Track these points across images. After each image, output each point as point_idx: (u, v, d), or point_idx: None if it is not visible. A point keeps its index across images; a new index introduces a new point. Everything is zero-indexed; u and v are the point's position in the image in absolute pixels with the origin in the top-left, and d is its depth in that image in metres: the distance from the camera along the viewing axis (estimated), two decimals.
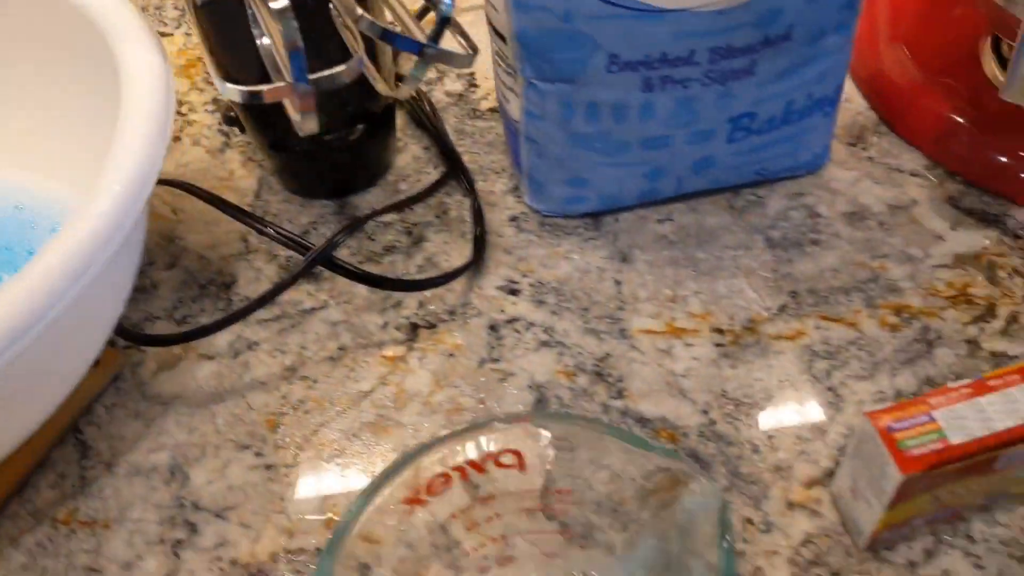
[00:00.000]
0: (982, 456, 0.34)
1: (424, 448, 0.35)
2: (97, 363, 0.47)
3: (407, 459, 0.35)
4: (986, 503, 0.38)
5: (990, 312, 0.46)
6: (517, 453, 0.36)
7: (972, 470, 0.34)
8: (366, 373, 0.47)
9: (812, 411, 0.43)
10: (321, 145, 0.51)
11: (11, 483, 0.44)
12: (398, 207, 0.53)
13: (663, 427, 0.44)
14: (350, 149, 0.53)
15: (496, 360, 0.47)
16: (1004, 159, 0.50)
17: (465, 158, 0.56)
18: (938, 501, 0.36)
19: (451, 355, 0.47)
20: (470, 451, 0.36)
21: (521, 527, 0.37)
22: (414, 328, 0.49)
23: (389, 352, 0.48)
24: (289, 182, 0.55)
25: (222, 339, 0.49)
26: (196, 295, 0.51)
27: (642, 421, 0.44)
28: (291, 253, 0.52)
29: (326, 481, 0.43)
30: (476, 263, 0.50)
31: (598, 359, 0.46)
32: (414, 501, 0.35)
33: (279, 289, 0.46)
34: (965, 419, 0.34)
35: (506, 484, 0.36)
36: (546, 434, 0.36)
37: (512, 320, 0.48)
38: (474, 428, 0.36)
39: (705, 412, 0.44)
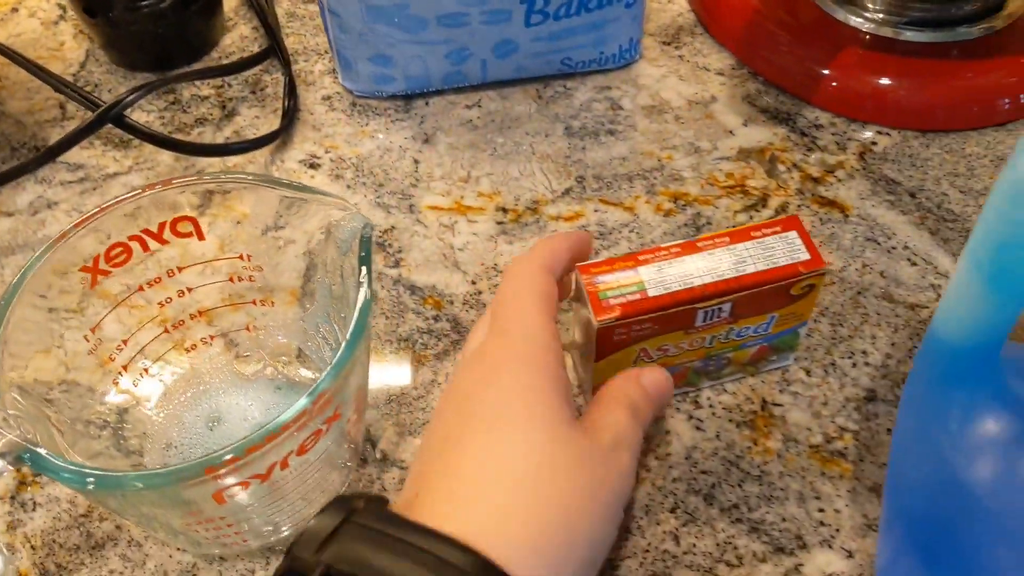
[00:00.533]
0: (677, 309, 0.35)
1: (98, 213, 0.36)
2: None
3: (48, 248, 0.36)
4: (707, 367, 0.40)
5: (762, 202, 0.48)
6: (194, 220, 0.37)
7: (672, 324, 0.36)
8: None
9: None
10: (135, 13, 0.52)
11: None
12: (205, 74, 0.53)
13: (431, 294, 0.45)
14: (167, 20, 0.53)
15: (280, 228, 0.48)
16: (809, 63, 0.52)
17: (291, 39, 0.57)
18: (648, 355, 0.38)
19: (238, 222, 0.48)
20: (147, 219, 0.37)
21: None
22: (210, 195, 0.50)
23: (183, 213, 0.49)
24: (112, 54, 0.56)
25: (24, 198, 0.50)
26: (7, 156, 0.52)
27: (412, 288, 0.45)
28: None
29: (108, 328, 0.45)
30: (281, 135, 0.51)
31: (383, 231, 0.48)
32: (95, 270, 0.36)
33: (68, 142, 0.47)
34: (667, 276, 0.36)
35: (189, 253, 0.38)
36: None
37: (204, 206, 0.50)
38: (151, 188, 0.38)
39: (473, 283, 0.45)
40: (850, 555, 0.36)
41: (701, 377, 0.41)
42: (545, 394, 0.31)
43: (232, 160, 0.51)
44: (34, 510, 0.39)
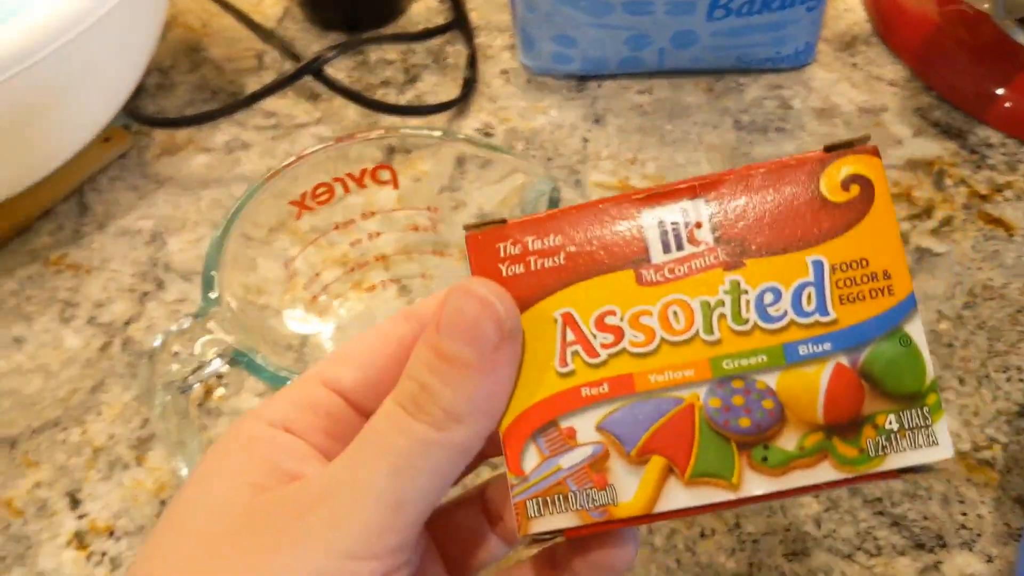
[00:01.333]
0: (600, 207, 0.21)
1: (310, 154, 0.39)
2: (108, 139, 0.53)
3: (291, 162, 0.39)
4: (729, 417, 0.18)
5: (927, 213, 0.48)
6: (391, 169, 0.40)
7: (601, 244, 0.21)
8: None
9: None
10: None
11: (15, 224, 0.50)
12: (395, 39, 0.57)
13: None
14: None
15: (455, 189, 0.51)
16: (985, 83, 0.52)
17: (474, 15, 0.59)
18: (581, 336, 0.20)
19: (418, 180, 0.51)
20: (352, 164, 0.39)
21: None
22: (391, 151, 0.53)
23: (367, 165, 0.52)
24: (308, 12, 0.60)
25: (220, 137, 0.54)
26: (207, 98, 0.56)
27: None
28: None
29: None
30: (460, 103, 0.54)
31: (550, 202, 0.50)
32: (301, 205, 0.39)
33: (269, 90, 0.51)
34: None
35: (380, 200, 0.41)
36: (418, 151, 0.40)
37: (480, 157, 0.52)
38: (351, 139, 0.40)
39: None
40: (990, 559, 0.36)
41: (730, 451, 0.20)
42: (214, 477, 0.22)
43: (412, 121, 0.54)
44: (219, 417, 0.42)
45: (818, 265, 0.20)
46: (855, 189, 0.20)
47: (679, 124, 0.53)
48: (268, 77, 0.57)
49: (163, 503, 0.39)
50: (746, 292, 0.20)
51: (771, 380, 0.20)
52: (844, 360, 0.20)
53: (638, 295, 0.20)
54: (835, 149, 0.21)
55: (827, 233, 0.20)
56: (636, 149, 0.52)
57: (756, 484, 0.20)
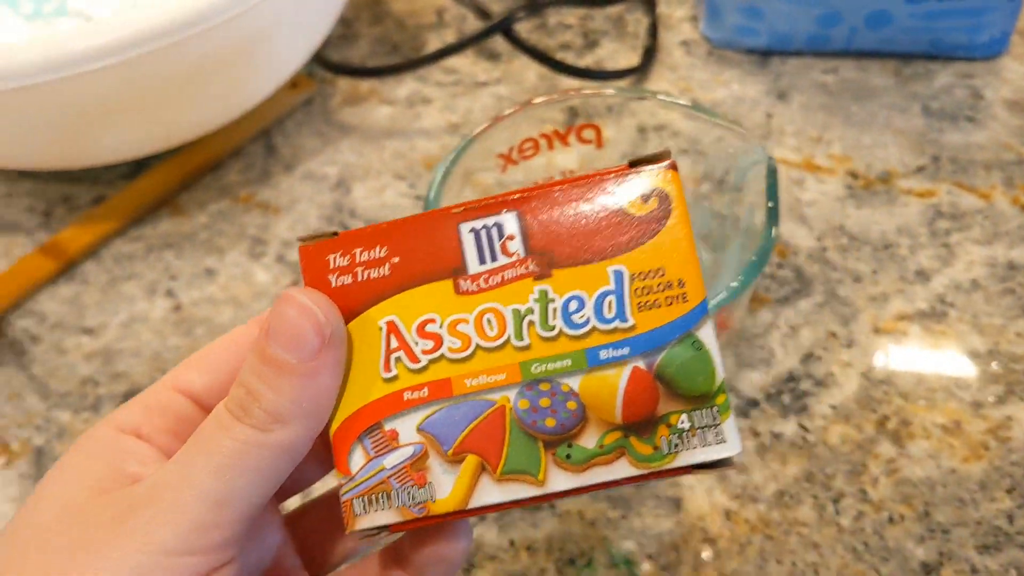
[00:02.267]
0: (418, 218, 0.23)
1: (516, 111, 0.39)
2: (295, 85, 0.54)
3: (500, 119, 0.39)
4: (537, 417, 0.22)
5: None
6: (597, 128, 0.40)
7: (421, 251, 0.22)
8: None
9: (923, 259, 0.46)
10: None
11: (208, 160, 0.51)
12: (579, 2, 0.56)
13: (778, 243, 0.47)
14: None
15: (594, 150, 0.51)
16: None
17: None
18: (403, 343, 0.23)
19: (601, 147, 0.52)
20: (556, 121, 0.39)
21: None
22: (574, 114, 0.53)
23: (545, 131, 0.52)
24: None
25: (402, 91, 0.55)
26: (388, 52, 0.57)
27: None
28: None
29: None
30: (640, 71, 0.54)
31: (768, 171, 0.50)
32: (507, 159, 0.39)
33: (459, 46, 0.51)
34: None
35: (564, 161, 0.41)
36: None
37: (660, 127, 0.52)
38: (555, 100, 0.40)
39: (819, 239, 0.47)
40: None
41: (536, 448, 0.22)
42: (52, 484, 0.23)
43: (593, 86, 0.54)
44: None
45: (618, 274, 0.21)
46: (654, 202, 0.21)
47: (865, 106, 0.52)
48: (448, 34, 0.58)
49: None
50: (553, 300, 0.21)
51: (575, 383, 0.21)
52: (641, 364, 0.21)
53: (456, 304, 0.22)
54: (638, 164, 0.22)
55: (628, 244, 0.21)
56: (821, 128, 0.51)
57: (560, 480, 0.21)
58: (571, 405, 0.21)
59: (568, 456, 0.21)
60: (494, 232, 0.22)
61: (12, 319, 0.46)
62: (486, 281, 0.22)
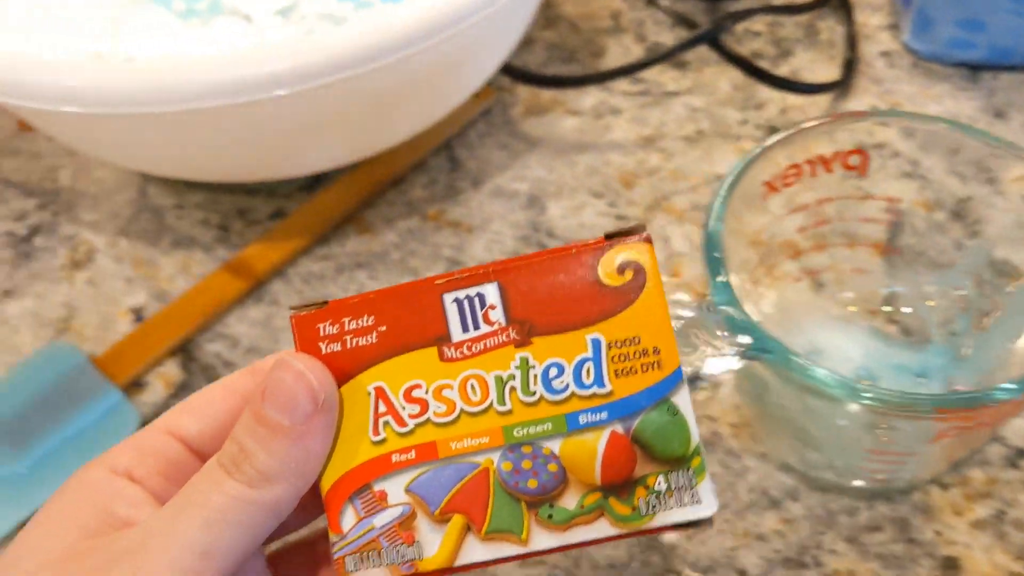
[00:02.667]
0: (406, 289, 0.24)
1: (779, 140, 0.36)
2: (475, 94, 0.51)
3: (762, 150, 0.36)
4: (520, 479, 0.24)
5: None
6: (864, 154, 0.37)
7: (408, 323, 0.24)
8: (721, 159, 0.49)
9: None
10: None
11: (391, 174, 0.49)
12: (772, 10, 0.53)
13: (1011, 270, 0.43)
14: None
15: (857, 178, 0.48)
16: None
17: None
18: (392, 409, 0.25)
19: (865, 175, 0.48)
20: (822, 146, 0.36)
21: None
22: (773, 130, 0.50)
23: (745, 146, 0.49)
24: None
25: (587, 101, 0.52)
26: (566, 57, 0.54)
27: (992, 264, 0.44)
28: (657, 40, 0.54)
29: (674, 242, 0.46)
30: (843, 83, 0.51)
31: (958, 199, 0.46)
32: (771, 187, 0.36)
33: (663, 57, 0.48)
34: None
35: (843, 188, 0.38)
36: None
37: (879, 145, 0.49)
38: (825, 124, 0.37)
39: None
40: None
41: (519, 510, 0.23)
42: (35, 529, 0.23)
43: (791, 98, 0.51)
44: None
45: (596, 343, 0.23)
46: (629, 274, 0.23)
47: None
48: (627, 39, 0.55)
49: None
50: (533, 367, 0.23)
51: (555, 446, 0.23)
52: (619, 428, 0.23)
53: (441, 370, 0.23)
54: (614, 237, 0.23)
55: (604, 313, 0.23)
56: None
57: (543, 539, 0.23)
58: (552, 467, 0.23)
59: (550, 516, 0.23)
60: (476, 302, 0.23)
61: (202, 342, 0.43)
62: (469, 349, 0.23)
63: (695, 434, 0.23)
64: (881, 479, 0.36)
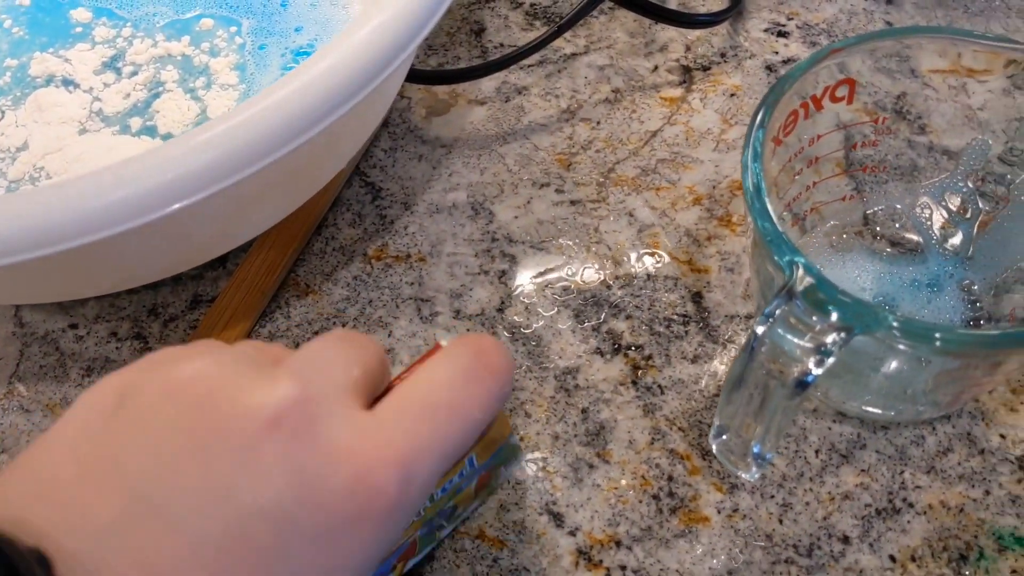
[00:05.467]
0: None
1: (784, 82, 0.34)
2: None
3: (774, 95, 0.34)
4: (433, 527, 0.33)
5: None
6: (851, 83, 0.35)
7: None
8: (648, 114, 0.46)
9: None
10: None
11: (310, 222, 0.43)
12: None
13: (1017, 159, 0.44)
14: None
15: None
16: None
17: None
18: None
19: (732, 95, 0.47)
20: (809, 85, 0.35)
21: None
22: (687, 71, 0.48)
23: (666, 94, 0.47)
24: None
25: (488, 85, 0.48)
26: (447, 43, 0.50)
27: (947, 154, 0.44)
28: (532, 1, 0.50)
29: (638, 214, 0.43)
30: (738, 5, 0.49)
31: (895, 97, 0.46)
32: (776, 141, 0.35)
33: (561, 29, 0.44)
34: None
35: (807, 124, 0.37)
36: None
37: (787, 60, 0.48)
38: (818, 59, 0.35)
39: (1007, 141, 0.44)
40: None
41: (433, 535, 0.33)
42: None
43: (692, 35, 0.49)
44: (663, 394, 0.38)
45: (471, 458, 0.31)
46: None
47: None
48: (502, 8, 0.50)
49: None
50: (433, 495, 0.31)
51: (451, 503, 0.32)
52: (484, 472, 0.33)
53: None
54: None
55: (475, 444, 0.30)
56: (949, 24, 0.48)
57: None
58: (448, 510, 0.33)
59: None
60: None
61: None
62: None
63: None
64: (946, 403, 0.35)
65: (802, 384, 0.28)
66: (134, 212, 0.30)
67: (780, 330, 0.28)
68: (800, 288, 0.29)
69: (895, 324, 0.28)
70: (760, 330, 0.28)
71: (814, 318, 0.28)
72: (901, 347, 0.30)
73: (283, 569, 0.21)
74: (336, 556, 0.21)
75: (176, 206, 0.30)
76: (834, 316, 0.28)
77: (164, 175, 0.30)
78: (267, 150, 0.31)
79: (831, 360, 0.28)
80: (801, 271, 0.29)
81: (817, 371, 0.28)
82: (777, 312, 0.28)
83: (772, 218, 0.30)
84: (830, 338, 0.28)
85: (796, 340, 0.28)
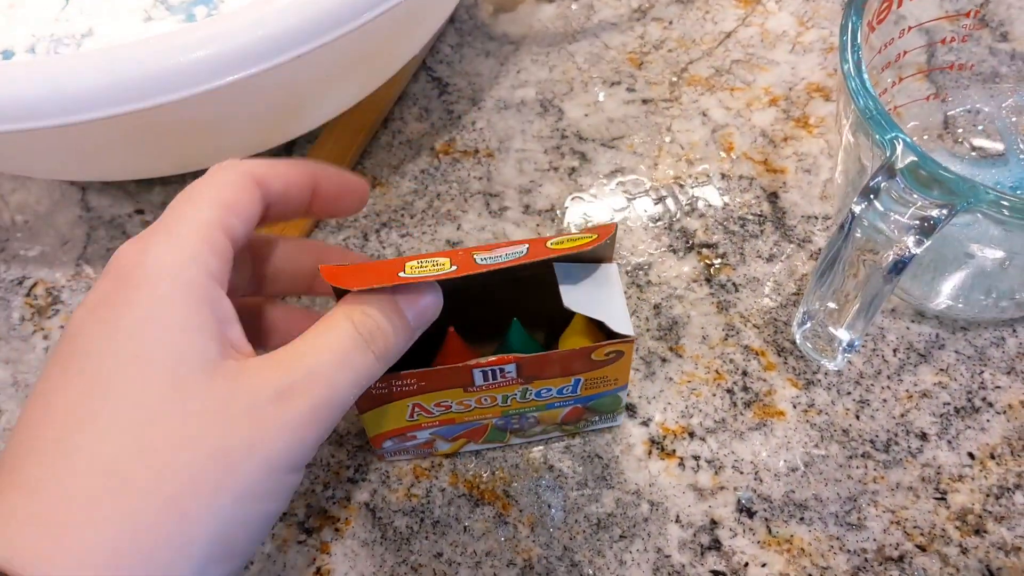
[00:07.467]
0: (446, 368, 0.30)
1: None
2: None
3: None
4: (509, 425, 0.33)
5: None
6: None
7: (444, 382, 0.30)
8: (722, 15, 0.45)
9: None
10: None
11: (376, 115, 0.42)
12: None
13: None
14: None
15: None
16: None
17: None
18: (425, 411, 0.32)
19: None
20: None
21: None
22: None
23: None
24: None
25: None
26: None
27: None
28: None
29: (712, 114, 0.42)
30: None
31: (978, 5, 0.45)
32: (870, 27, 0.33)
33: None
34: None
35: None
36: None
37: None
38: None
39: None
40: None
41: (506, 434, 0.34)
42: (169, 329, 0.23)
43: None
44: (737, 291, 0.37)
45: (578, 380, 0.31)
46: (613, 355, 0.30)
47: None
48: None
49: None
50: (529, 390, 0.31)
51: (535, 415, 0.33)
52: (579, 405, 0.33)
53: (464, 395, 0.31)
54: (612, 336, 0.29)
55: (587, 370, 0.31)
56: None
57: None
58: (530, 419, 0.33)
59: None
60: (497, 372, 0.30)
61: None
62: (487, 387, 0.30)
63: (623, 402, 0.33)
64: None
65: (900, 264, 0.27)
66: (216, 71, 0.29)
67: (881, 206, 0.28)
68: (902, 165, 0.28)
69: (998, 199, 0.27)
70: (857, 209, 0.28)
71: (915, 195, 0.27)
72: (996, 231, 0.29)
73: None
74: None
75: (254, 69, 0.30)
76: (936, 192, 0.27)
77: (248, 35, 0.29)
78: (346, 17, 0.31)
79: (929, 241, 0.27)
80: (902, 148, 0.28)
81: (916, 250, 0.27)
82: (880, 188, 0.28)
83: (874, 95, 0.29)
84: (933, 212, 0.27)
85: (897, 217, 0.27)
